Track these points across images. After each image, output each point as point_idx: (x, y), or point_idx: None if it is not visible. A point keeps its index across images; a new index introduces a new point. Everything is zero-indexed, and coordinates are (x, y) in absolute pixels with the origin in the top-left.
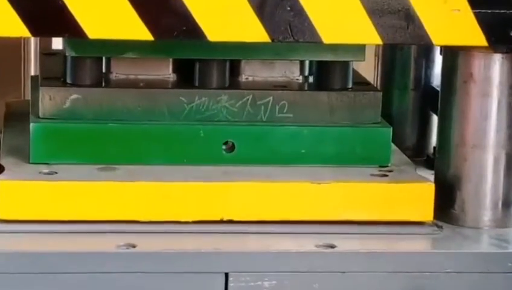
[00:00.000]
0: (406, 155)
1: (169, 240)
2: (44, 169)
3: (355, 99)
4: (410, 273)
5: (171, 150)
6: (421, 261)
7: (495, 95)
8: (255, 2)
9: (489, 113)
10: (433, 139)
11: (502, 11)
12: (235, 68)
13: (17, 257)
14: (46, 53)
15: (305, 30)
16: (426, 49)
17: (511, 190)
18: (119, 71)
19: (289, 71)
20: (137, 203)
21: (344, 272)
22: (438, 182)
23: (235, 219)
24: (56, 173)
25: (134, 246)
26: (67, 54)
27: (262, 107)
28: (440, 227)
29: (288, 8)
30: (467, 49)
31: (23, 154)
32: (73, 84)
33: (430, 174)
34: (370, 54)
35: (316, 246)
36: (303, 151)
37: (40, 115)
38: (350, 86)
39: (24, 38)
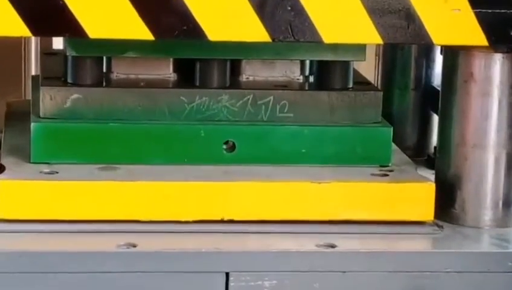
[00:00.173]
0: (407, 155)
1: (170, 240)
2: (45, 169)
3: (355, 99)
4: (411, 273)
5: (171, 150)
6: (421, 260)
7: (495, 94)
8: (255, 1)
9: (489, 113)
10: (434, 139)
11: (503, 10)
12: (235, 68)
13: (17, 256)
14: (46, 53)
15: (305, 30)
16: (427, 48)
17: None
18: (119, 71)
19: (290, 71)
20: (138, 203)
21: (344, 272)
22: (438, 181)
23: (236, 218)
24: (57, 172)
25: (134, 246)
26: (67, 54)
27: (263, 107)
28: (440, 227)
29: (289, 8)
30: (468, 49)
31: (23, 154)
32: (74, 84)
33: (430, 174)
34: (370, 54)
35: (317, 245)
36: (303, 151)
37: (41, 114)
38: (351, 85)
39: (25, 38)
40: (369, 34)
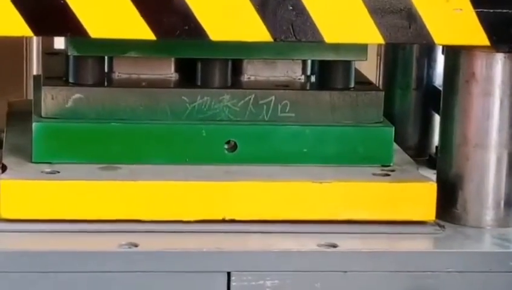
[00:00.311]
0: (408, 155)
1: (172, 240)
2: (47, 168)
3: (357, 99)
4: (412, 272)
5: (173, 150)
6: (423, 260)
7: (497, 94)
8: (257, 1)
9: (491, 113)
10: (435, 139)
11: (504, 10)
12: (237, 68)
13: (19, 256)
14: (48, 52)
15: (307, 29)
16: (428, 48)
17: None
18: (121, 71)
19: (291, 71)
20: (140, 203)
21: (346, 272)
22: (440, 181)
23: (237, 218)
24: (58, 172)
25: (136, 246)
26: (69, 54)
27: (265, 107)
28: (442, 226)
29: (291, 8)
30: (469, 49)
31: (25, 154)
32: (75, 84)
33: (432, 174)
34: (372, 54)
35: (318, 245)
36: (305, 150)
37: (43, 114)
38: (352, 85)
39: (26, 38)
40: (370, 34)
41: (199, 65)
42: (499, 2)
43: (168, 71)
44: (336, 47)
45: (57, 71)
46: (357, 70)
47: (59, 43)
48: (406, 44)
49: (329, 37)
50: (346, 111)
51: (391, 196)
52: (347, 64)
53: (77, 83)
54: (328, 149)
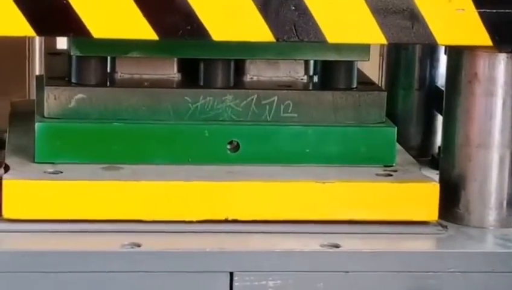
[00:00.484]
0: (411, 155)
1: (174, 240)
2: (49, 168)
3: (359, 99)
4: (415, 273)
5: (175, 150)
6: (425, 261)
7: (500, 94)
8: (259, 1)
9: (493, 113)
10: (438, 139)
11: (507, 10)
12: (239, 68)
13: (21, 256)
14: (51, 52)
15: (309, 30)
16: (431, 48)
17: None
18: (124, 71)
19: (294, 71)
20: (142, 203)
21: (348, 272)
22: (442, 181)
23: (240, 218)
24: (61, 172)
25: (138, 246)
26: (72, 54)
27: (267, 107)
28: (445, 227)
29: (293, 8)
30: (472, 49)
31: (28, 154)
32: (78, 84)
33: (434, 174)
34: (375, 54)
35: (321, 245)
36: (308, 150)
37: (45, 114)
38: (355, 85)
39: (29, 38)
40: (373, 34)
41: (202, 65)
42: (502, 2)
43: (171, 71)
44: (339, 47)
45: (59, 71)
46: (359, 71)
47: (62, 43)
48: (409, 44)
49: (331, 37)
50: (348, 111)
51: (394, 196)
52: (350, 64)
53: (80, 83)
54: (331, 149)
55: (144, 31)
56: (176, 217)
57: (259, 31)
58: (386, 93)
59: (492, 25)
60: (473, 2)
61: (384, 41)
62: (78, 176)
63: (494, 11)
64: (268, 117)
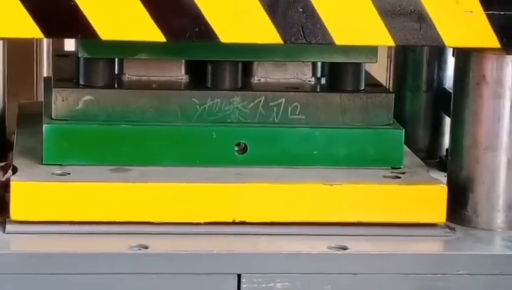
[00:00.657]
0: (419, 157)
1: (182, 242)
2: (57, 170)
3: (367, 101)
4: (423, 275)
5: (183, 152)
6: (433, 263)
7: (508, 96)
8: (267, 3)
9: (501, 115)
10: (446, 141)
11: None
12: (247, 70)
13: (29, 257)
14: (58, 54)
15: (317, 31)
16: (438, 50)
17: None
18: (131, 72)
19: (301, 73)
20: (150, 205)
21: (356, 274)
22: (450, 184)
23: (248, 220)
24: (68, 174)
25: (146, 247)
26: (79, 55)
27: (275, 109)
28: (452, 229)
29: (301, 10)
30: (480, 51)
31: (35, 156)
32: (86, 86)
33: (442, 176)
34: (382, 56)
35: (328, 247)
36: (315, 152)
37: (53, 116)
38: (362, 87)
39: (37, 40)
40: (380, 36)
41: (209, 67)
42: (510, 4)
43: (178, 73)
44: (346, 49)
45: (67, 73)
46: (367, 73)
47: (69, 45)
48: (416, 46)
49: (339, 39)
50: (356, 113)
51: (401, 198)
52: (357, 66)
53: (87, 85)
54: (338, 151)
55: (151, 33)
56: (183, 219)
57: (266, 33)
58: (393, 95)
59: (500, 27)
60: (481, 4)
61: (391, 43)
62: (85, 178)
63: (502, 13)
64: (275, 119)
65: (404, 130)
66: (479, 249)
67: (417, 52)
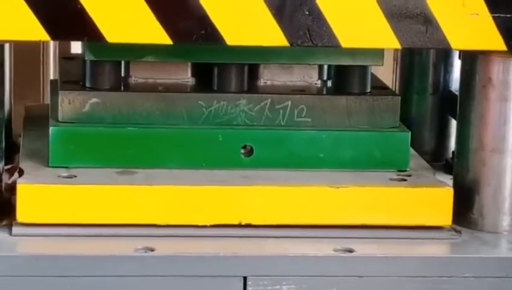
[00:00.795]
0: (425, 160)
1: (188, 244)
2: (63, 173)
3: (373, 104)
4: (429, 277)
5: (189, 154)
6: (439, 265)
7: None
8: (273, 6)
9: (508, 118)
10: (452, 144)
11: None
12: (253, 72)
13: (36, 260)
14: (65, 57)
15: (323, 34)
16: (445, 53)
17: None
18: (138, 75)
19: (307, 75)
20: (156, 207)
21: (362, 277)
22: (456, 186)
23: (254, 222)
24: (75, 176)
25: (152, 250)
26: (86, 58)
27: (281, 111)
28: (458, 232)
29: (307, 13)
30: (486, 54)
31: (42, 158)
32: (92, 88)
33: (448, 179)
34: (388, 59)
35: (335, 250)
36: (321, 155)
37: (59, 118)
38: (368, 90)
39: (43, 42)
40: (387, 39)
41: (215, 70)
42: None
43: (185, 76)
44: (353, 52)
45: (73, 76)
46: (373, 75)
47: (76, 47)
48: (423, 49)
49: (345, 41)
50: (362, 116)
51: (407, 201)
52: (363, 69)
53: (94, 88)
54: (345, 154)
55: (158, 35)
56: (189, 222)
57: (273, 35)
58: (399, 97)
59: (506, 29)
60: (487, 7)
61: (398, 45)
62: (92, 180)
63: (509, 15)
64: (282, 122)
65: (410, 132)
66: (485, 251)
67: (423, 54)
